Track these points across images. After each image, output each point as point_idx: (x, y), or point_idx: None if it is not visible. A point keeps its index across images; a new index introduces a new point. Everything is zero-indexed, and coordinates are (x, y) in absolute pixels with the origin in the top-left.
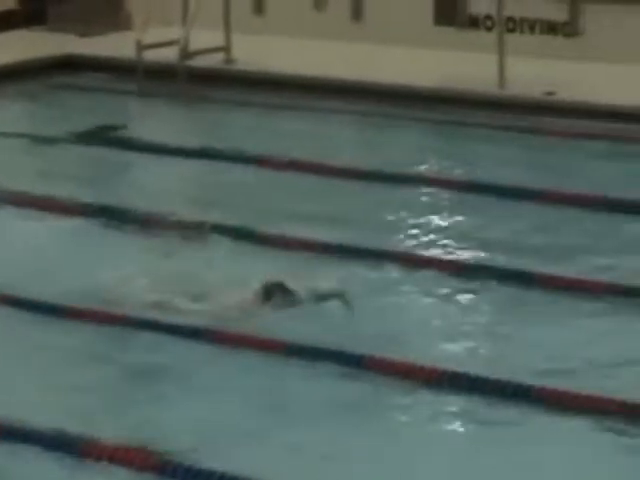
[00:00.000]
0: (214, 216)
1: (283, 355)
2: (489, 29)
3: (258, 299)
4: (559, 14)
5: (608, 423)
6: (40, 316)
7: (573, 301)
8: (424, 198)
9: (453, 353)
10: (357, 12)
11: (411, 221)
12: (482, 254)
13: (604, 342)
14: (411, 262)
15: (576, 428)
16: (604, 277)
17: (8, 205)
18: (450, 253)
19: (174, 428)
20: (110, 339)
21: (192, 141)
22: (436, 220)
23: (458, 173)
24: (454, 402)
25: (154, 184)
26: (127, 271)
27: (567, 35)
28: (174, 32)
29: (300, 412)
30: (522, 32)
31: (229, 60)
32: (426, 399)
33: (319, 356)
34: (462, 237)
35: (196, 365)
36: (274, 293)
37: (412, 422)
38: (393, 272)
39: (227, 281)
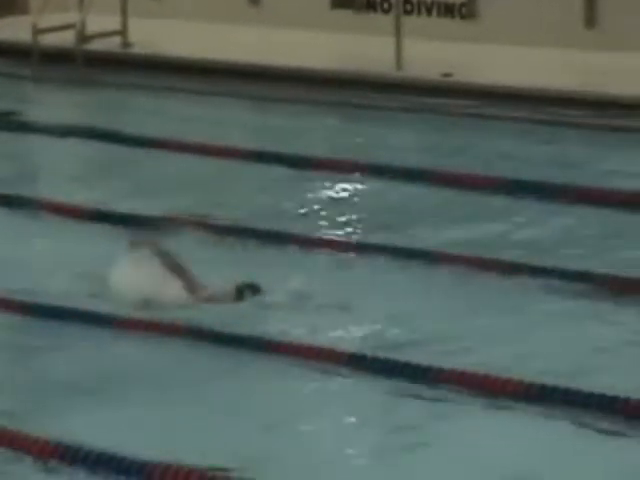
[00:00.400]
0: (112, 198)
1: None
2: (386, 11)
3: (230, 298)
4: None
5: (499, 402)
6: None
7: (469, 278)
8: (321, 180)
9: (346, 334)
10: None
11: (308, 202)
12: (374, 234)
13: (489, 317)
14: (304, 243)
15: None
16: (496, 255)
17: None
18: (343, 234)
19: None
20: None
21: (89, 124)
22: (332, 201)
23: (357, 155)
24: (351, 381)
25: (50, 167)
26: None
27: (464, 17)
28: (71, 17)
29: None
30: (419, 14)
31: (126, 44)
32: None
33: (230, 342)
34: (358, 218)
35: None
36: (245, 292)
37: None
38: (287, 253)
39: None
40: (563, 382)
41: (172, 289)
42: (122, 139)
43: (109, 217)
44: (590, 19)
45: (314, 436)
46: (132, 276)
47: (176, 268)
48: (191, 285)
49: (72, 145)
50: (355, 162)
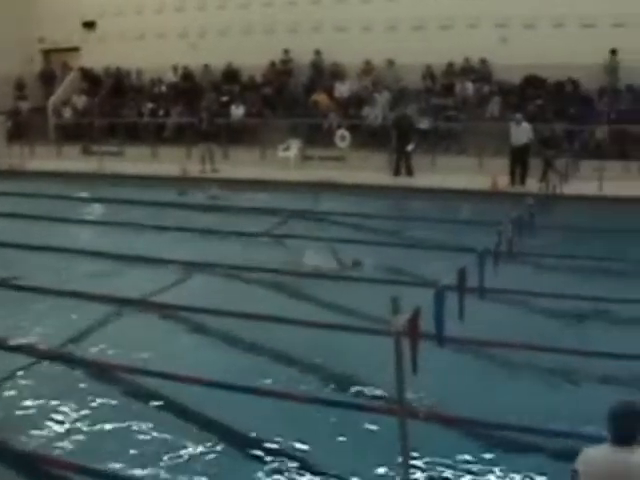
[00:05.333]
0: None
1: None
2: None
3: (351, 267)
4: None
5: None
6: None
7: None
8: None
9: None
10: None
11: None
12: None
13: None
14: None
15: None
16: None
17: None
18: None
19: None
20: None
21: None
22: None
23: None
24: None
25: None
26: None
27: None
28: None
29: None
30: None
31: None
32: None
33: None
34: None
35: None
36: (357, 264)
37: None
38: None
39: None
40: None
41: (330, 264)
42: None
43: None
44: None
45: None
46: (313, 258)
47: (334, 255)
48: (339, 263)
49: None
50: None
